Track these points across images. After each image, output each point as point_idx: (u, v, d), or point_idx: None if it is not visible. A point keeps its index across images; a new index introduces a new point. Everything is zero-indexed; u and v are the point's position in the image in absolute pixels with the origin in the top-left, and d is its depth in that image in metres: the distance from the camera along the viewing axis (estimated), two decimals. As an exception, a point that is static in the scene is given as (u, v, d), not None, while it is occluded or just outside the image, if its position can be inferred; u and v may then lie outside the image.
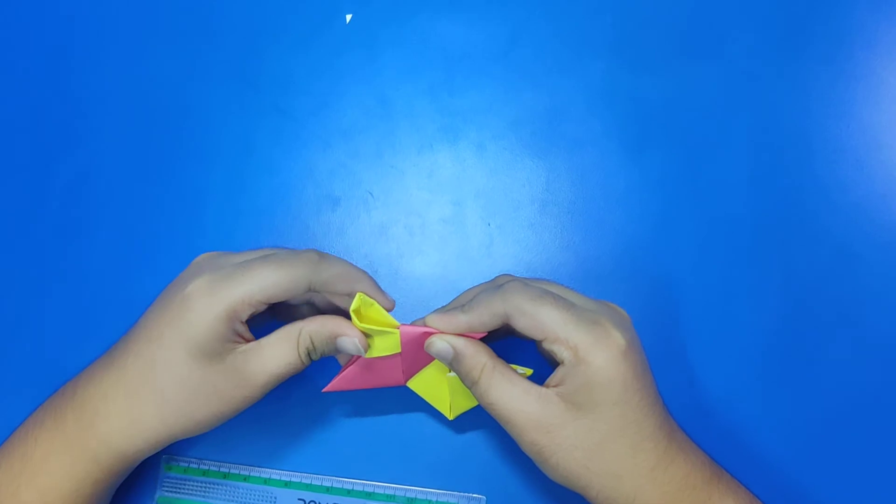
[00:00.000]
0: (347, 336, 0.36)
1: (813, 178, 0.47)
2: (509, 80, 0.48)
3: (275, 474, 0.43)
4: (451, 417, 0.41)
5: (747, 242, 0.46)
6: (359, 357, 0.38)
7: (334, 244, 0.47)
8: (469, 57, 0.49)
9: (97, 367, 0.37)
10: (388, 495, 0.43)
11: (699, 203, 0.46)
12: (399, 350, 0.38)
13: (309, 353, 0.36)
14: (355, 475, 0.43)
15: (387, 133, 0.48)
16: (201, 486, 0.43)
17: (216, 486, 0.43)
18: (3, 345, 0.45)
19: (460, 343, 0.36)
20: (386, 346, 0.37)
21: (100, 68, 0.49)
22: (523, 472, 0.42)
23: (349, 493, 0.43)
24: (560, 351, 0.34)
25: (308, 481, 0.43)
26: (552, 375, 0.35)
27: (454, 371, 0.37)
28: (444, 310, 0.37)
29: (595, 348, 0.34)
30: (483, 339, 0.37)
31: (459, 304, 0.38)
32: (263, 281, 0.34)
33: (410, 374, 0.40)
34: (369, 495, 0.43)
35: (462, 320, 0.36)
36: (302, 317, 0.37)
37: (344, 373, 0.39)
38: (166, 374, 0.35)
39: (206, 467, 0.43)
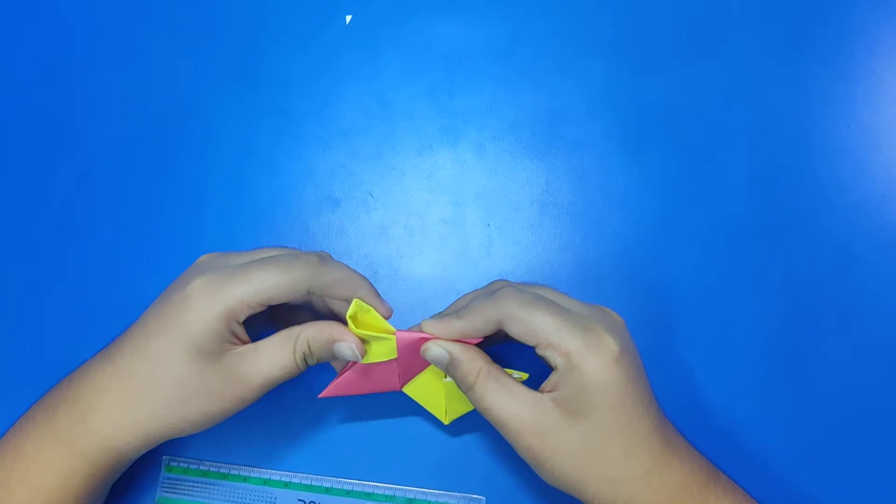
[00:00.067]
0: (344, 341, 0.36)
1: (813, 178, 0.47)
2: (509, 80, 0.48)
3: (274, 475, 0.43)
4: (446, 422, 0.41)
5: (747, 243, 0.46)
6: (355, 363, 0.38)
7: (334, 245, 0.47)
8: (469, 58, 0.49)
9: (93, 362, 0.37)
10: (387, 496, 0.43)
11: (699, 203, 0.46)
12: (395, 356, 0.38)
13: (305, 358, 0.36)
14: (355, 476, 0.43)
15: (387, 134, 0.48)
16: (201, 487, 0.43)
17: (216, 487, 0.43)
18: (3, 345, 0.45)
19: (456, 349, 0.36)
20: (382, 351, 0.37)
21: (100, 69, 0.49)
22: (523, 472, 0.42)
23: (349, 493, 0.43)
24: (553, 357, 0.34)
25: (307, 482, 0.43)
26: (547, 380, 0.35)
27: (450, 376, 0.37)
28: (439, 316, 0.38)
29: (587, 354, 0.34)
30: (480, 345, 0.37)
31: (455, 310, 0.38)
32: (263, 283, 0.35)
33: (406, 379, 0.40)
34: (369, 496, 0.43)
35: (457, 326, 0.36)
36: (301, 321, 0.37)
37: (340, 378, 0.39)
38: (161, 371, 0.35)
39: (206, 468, 0.43)
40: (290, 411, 0.44)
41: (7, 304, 0.46)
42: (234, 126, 0.48)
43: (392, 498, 0.43)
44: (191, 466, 0.43)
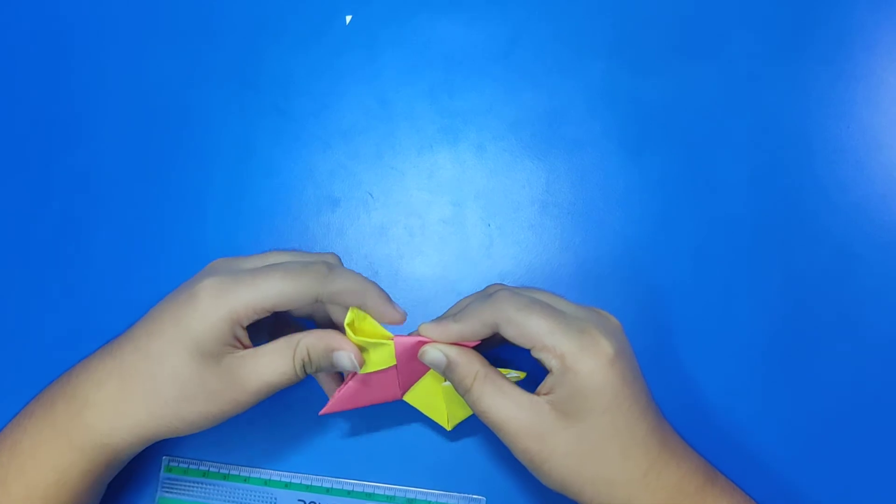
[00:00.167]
0: (343, 351, 0.36)
1: (813, 178, 0.47)
2: (509, 80, 0.48)
3: (275, 475, 0.43)
4: (449, 428, 0.41)
5: (747, 243, 0.46)
6: (354, 374, 0.38)
7: (334, 245, 0.47)
8: (469, 58, 0.49)
9: (94, 356, 0.37)
10: (387, 496, 0.43)
11: (699, 203, 0.46)
12: (394, 362, 0.38)
13: (304, 366, 0.36)
14: (355, 476, 0.43)
15: (387, 134, 0.48)
16: (201, 487, 0.43)
17: (216, 487, 0.43)
18: (3, 345, 0.45)
19: (453, 352, 0.36)
20: (381, 359, 0.37)
21: (100, 69, 0.49)
22: (522, 473, 0.42)
23: (349, 493, 0.43)
24: (548, 359, 0.35)
25: (308, 482, 0.43)
26: (543, 383, 0.35)
27: (447, 379, 0.37)
28: (437, 320, 0.38)
29: (582, 356, 0.34)
30: (478, 348, 0.37)
31: (452, 313, 0.38)
32: (270, 290, 0.35)
33: (407, 386, 0.40)
34: (369, 496, 0.43)
35: (454, 329, 0.36)
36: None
37: (340, 392, 0.38)
38: (161, 368, 0.35)
39: (207, 468, 0.43)
40: (290, 412, 0.44)
41: (7, 304, 0.46)
42: (234, 126, 0.48)
43: (392, 498, 0.43)
44: (191, 467, 0.43)
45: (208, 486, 0.43)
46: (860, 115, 0.47)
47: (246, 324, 0.35)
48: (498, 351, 0.41)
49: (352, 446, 0.44)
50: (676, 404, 0.40)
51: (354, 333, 0.36)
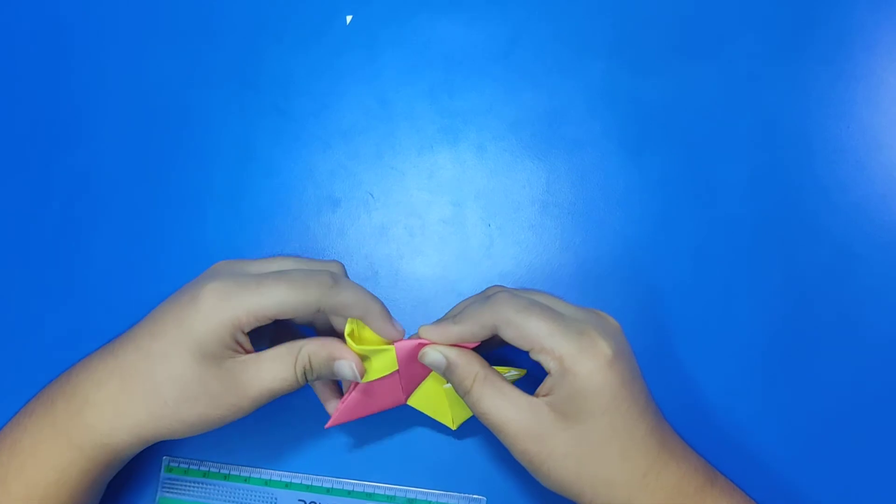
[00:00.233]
0: (344, 360, 0.36)
1: (813, 178, 0.47)
2: (509, 80, 0.48)
3: (275, 475, 0.43)
4: (454, 428, 0.41)
5: (747, 243, 0.46)
6: (356, 385, 0.38)
7: (335, 245, 0.47)
8: (469, 58, 0.49)
9: (95, 355, 0.37)
10: (388, 496, 0.43)
11: (699, 203, 0.46)
12: (396, 367, 0.38)
13: (305, 373, 0.36)
14: (356, 476, 0.43)
15: (387, 134, 0.48)
16: (202, 487, 0.43)
17: (217, 487, 0.43)
18: (4, 345, 0.45)
19: (452, 353, 0.37)
20: (383, 365, 0.38)
21: (100, 70, 0.49)
22: (523, 473, 0.42)
23: (349, 493, 0.43)
24: (546, 361, 0.35)
25: (308, 482, 0.43)
26: (542, 384, 0.36)
27: (448, 381, 0.38)
28: (436, 322, 0.38)
29: (581, 358, 0.34)
30: (479, 349, 0.37)
31: (451, 315, 0.38)
32: (274, 298, 0.35)
33: (410, 390, 0.40)
34: (369, 496, 0.43)
35: (453, 331, 0.37)
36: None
37: (344, 404, 0.38)
38: (162, 368, 0.35)
39: (207, 468, 0.43)
40: (291, 412, 0.44)
41: (7, 305, 0.46)
42: (234, 126, 0.48)
43: (393, 498, 0.43)
44: (191, 467, 0.43)
45: (209, 486, 0.43)
46: (860, 115, 0.47)
47: (248, 329, 0.35)
48: (500, 350, 0.41)
49: (352, 446, 0.44)
50: (676, 404, 0.40)
51: (355, 343, 0.36)
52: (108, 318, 0.45)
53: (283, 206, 0.47)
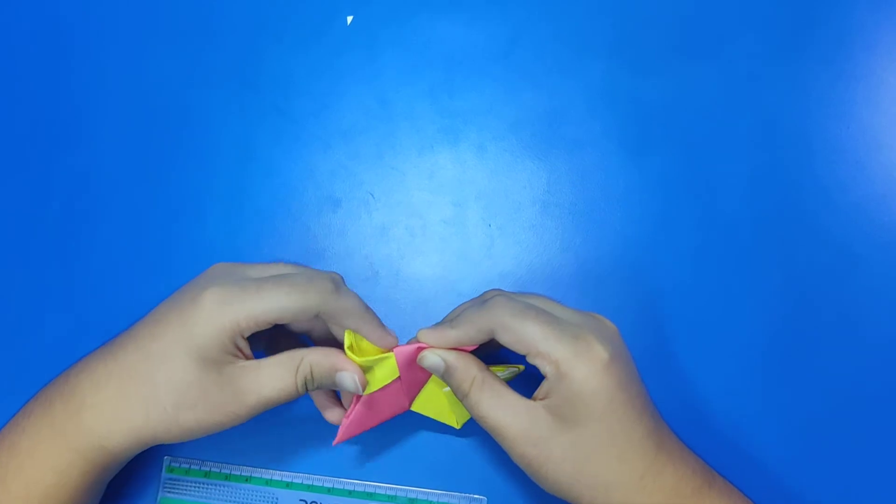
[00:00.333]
0: (347, 371, 0.36)
1: (813, 178, 0.47)
2: (509, 81, 0.48)
3: (276, 475, 0.43)
4: (458, 427, 0.41)
5: (747, 243, 0.46)
6: (359, 398, 0.38)
7: (335, 245, 0.47)
8: (469, 58, 0.49)
9: (94, 356, 0.37)
10: (389, 496, 0.43)
11: (699, 203, 0.46)
12: (397, 375, 0.38)
13: (306, 383, 0.36)
14: (357, 476, 0.43)
15: (387, 134, 0.48)
16: (203, 487, 0.43)
17: (218, 488, 0.43)
18: (4, 346, 0.45)
19: (451, 357, 0.37)
20: (384, 374, 0.38)
21: (100, 70, 0.49)
22: (523, 473, 0.42)
23: (350, 493, 0.43)
24: (542, 365, 0.35)
25: (309, 482, 0.43)
26: (539, 388, 0.36)
27: (447, 384, 0.38)
28: (434, 326, 0.38)
29: (576, 362, 0.34)
30: (477, 351, 0.38)
31: (449, 319, 0.39)
32: (274, 303, 0.35)
33: (412, 395, 0.40)
34: (370, 496, 0.43)
35: (451, 335, 0.37)
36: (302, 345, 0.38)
37: (349, 419, 0.38)
38: (161, 372, 0.35)
39: (208, 468, 0.43)
40: (291, 412, 0.44)
41: (7, 304, 0.46)
42: (234, 127, 0.48)
43: (394, 498, 0.43)
44: (192, 467, 0.43)
45: (210, 487, 0.43)
46: (860, 115, 0.47)
47: (248, 334, 0.35)
48: (499, 350, 0.41)
49: (353, 446, 0.44)
50: (676, 404, 0.40)
51: (356, 354, 0.36)
52: (108, 317, 0.45)
53: (283, 206, 0.47)
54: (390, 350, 0.37)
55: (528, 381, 0.39)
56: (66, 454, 0.35)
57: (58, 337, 0.45)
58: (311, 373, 0.36)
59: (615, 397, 0.34)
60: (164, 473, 0.43)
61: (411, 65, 0.49)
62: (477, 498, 0.43)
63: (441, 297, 0.46)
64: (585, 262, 0.46)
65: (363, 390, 0.37)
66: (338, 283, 0.37)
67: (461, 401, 0.37)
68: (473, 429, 0.43)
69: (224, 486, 0.43)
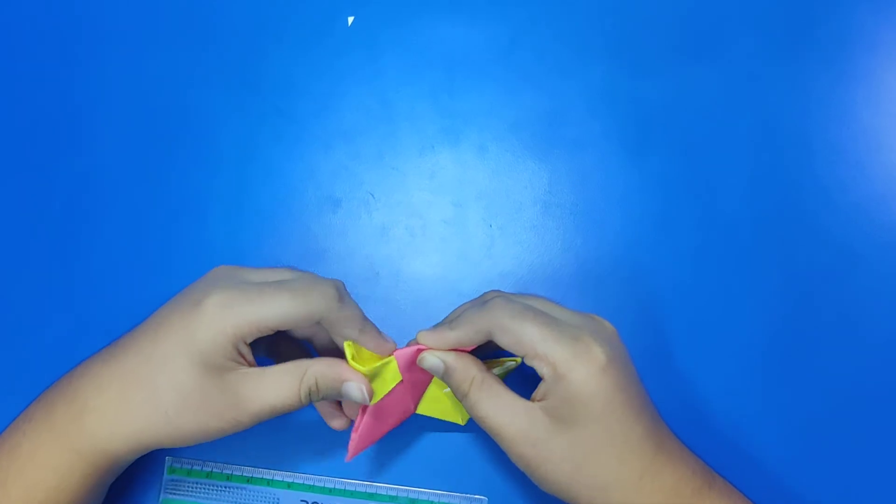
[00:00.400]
0: (353, 382, 0.36)
1: (813, 179, 0.47)
2: (510, 81, 0.48)
3: (277, 476, 0.43)
4: (463, 423, 0.41)
5: (747, 243, 0.46)
6: (365, 409, 0.38)
7: (336, 246, 0.47)
8: (470, 59, 0.49)
9: (96, 359, 0.37)
10: (390, 496, 0.43)
11: (699, 204, 0.46)
12: (400, 378, 0.38)
13: (310, 394, 0.36)
14: (357, 476, 0.43)
15: (388, 135, 0.48)
16: (204, 488, 0.43)
17: (219, 488, 0.43)
18: (5, 347, 0.45)
19: (450, 358, 0.37)
20: (387, 379, 0.38)
21: (100, 72, 0.49)
22: (524, 473, 0.43)
23: (351, 494, 0.43)
24: (540, 367, 0.35)
25: (310, 483, 0.43)
26: (537, 389, 0.36)
27: (446, 384, 0.38)
28: (433, 327, 0.38)
29: (574, 364, 0.34)
30: (478, 350, 0.38)
31: (448, 320, 0.39)
32: (277, 309, 0.34)
33: (417, 397, 0.40)
34: (371, 496, 0.43)
35: (449, 337, 0.37)
36: (299, 355, 0.38)
37: (358, 432, 0.38)
38: (163, 376, 0.34)
39: (210, 469, 0.43)
40: (292, 413, 0.43)
41: (8, 306, 0.46)
42: (235, 127, 0.48)
43: (395, 498, 0.43)
44: (194, 467, 0.43)
45: (211, 487, 0.43)
46: (860, 115, 0.47)
47: (250, 340, 0.35)
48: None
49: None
50: (676, 405, 0.40)
51: (359, 364, 0.36)
52: (109, 318, 0.45)
53: (283, 206, 0.47)
54: (390, 355, 0.38)
55: (527, 381, 0.39)
56: (67, 457, 0.35)
57: (59, 338, 0.45)
58: (317, 384, 0.36)
59: (613, 399, 0.34)
60: (165, 474, 0.43)
61: (412, 65, 0.49)
62: (478, 498, 0.43)
63: (441, 298, 0.46)
64: (586, 262, 0.46)
65: (370, 400, 0.37)
66: (341, 290, 0.36)
67: (460, 401, 0.38)
68: (474, 429, 0.43)
69: (225, 487, 0.43)
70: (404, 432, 0.44)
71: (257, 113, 0.48)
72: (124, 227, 0.47)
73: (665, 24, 0.49)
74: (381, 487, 0.43)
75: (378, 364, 0.37)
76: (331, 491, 0.43)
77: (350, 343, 0.37)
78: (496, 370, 0.40)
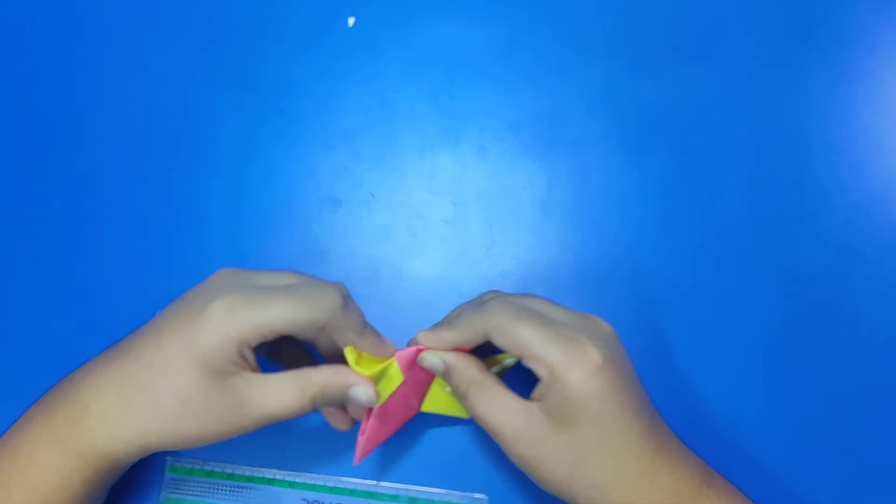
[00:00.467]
0: (360, 386, 0.36)
1: (813, 179, 0.47)
2: (510, 82, 0.48)
3: (279, 474, 0.43)
4: (468, 417, 0.41)
5: (747, 243, 0.46)
6: (370, 411, 0.38)
7: (336, 246, 0.47)
8: (470, 59, 0.49)
9: (97, 362, 0.37)
10: (391, 495, 0.43)
11: (699, 204, 0.46)
12: (402, 379, 0.38)
13: (315, 401, 0.36)
14: (358, 475, 0.43)
15: (388, 135, 0.48)
16: (205, 487, 0.43)
17: (220, 487, 0.43)
18: (5, 348, 0.45)
19: (450, 357, 0.37)
20: (390, 380, 0.38)
21: (100, 72, 0.49)
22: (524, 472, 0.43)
23: (352, 493, 0.43)
24: (537, 368, 0.35)
25: (312, 481, 0.43)
26: (535, 390, 0.36)
27: (447, 384, 0.38)
28: (432, 328, 0.38)
29: (570, 365, 0.34)
30: (478, 348, 0.38)
31: (447, 321, 0.39)
32: (282, 315, 0.34)
33: (420, 396, 0.40)
34: (372, 495, 0.43)
35: (447, 337, 0.37)
36: (298, 357, 0.38)
37: (365, 435, 0.38)
38: (165, 380, 0.34)
39: (211, 468, 0.43)
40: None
41: (8, 307, 0.46)
42: (235, 128, 0.48)
43: (395, 497, 0.43)
44: (195, 467, 0.43)
45: (213, 486, 0.43)
46: (860, 115, 0.47)
47: (254, 345, 0.35)
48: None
49: (355, 446, 0.44)
50: (676, 405, 0.40)
51: (361, 368, 0.37)
52: (109, 319, 0.45)
53: (284, 206, 0.47)
54: (392, 354, 0.38)
55: (528, 380, 0.39)
56: (68, 460, 0.35)
57: (59, 340, 0.45)
58: (322, 392, 0.36)
59: (610, 400, 0.34)
60: (167, 473, 0.43)
61: (412, 66, 0.49)
62: (478, 497, 0.43)
63: (442, 297, 0.46)
64: (585, 262, 0.46)
65: (377, 401, 0.37)
66: (346, 296, 0.36)
67: (460, 400, 0.38)
68: (475, 428, 0.44)
69: (227, 486, 0.43)
70: (406, 432, 0.44)
71: (258, 113, 0.48)
72: (124, 227, 0.47)
73: (665, 24, 0.49)
74: (382, 486, 0.43)
75: (380, 367, 0.37)
76: (332, 490, 0.43)
77: (351, 349, 0.37)
78: (495, 368, 0.40)
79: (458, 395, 0.37)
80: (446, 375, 0.37)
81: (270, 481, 0.43)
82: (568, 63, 0.48)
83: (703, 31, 0.49)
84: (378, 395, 0.37)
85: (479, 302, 0.39)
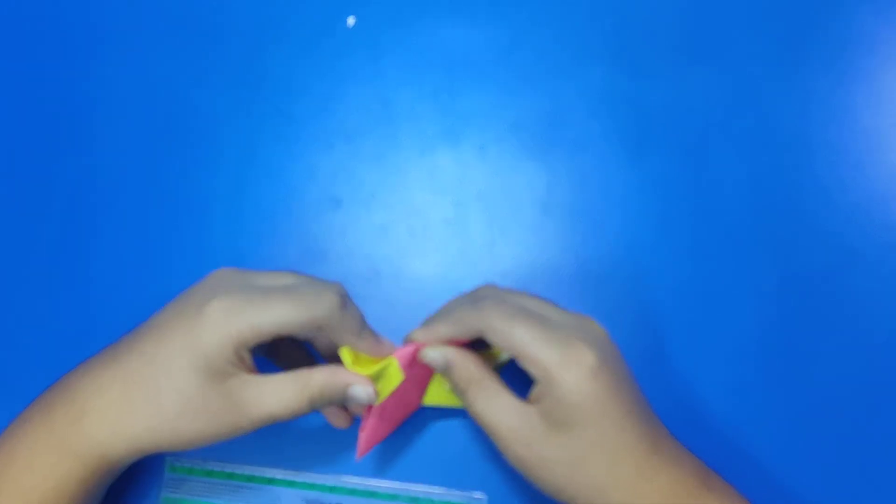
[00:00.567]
0: (359, 385, 0.36)
1: (813, 179, 0.47)
2: (510, 83, 0.48)
3: (279, 474, 0.43)
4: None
5: (747, 244, 0.46)
6: (370, 409, 0.38)
7: (336, 245, 0.47)
8: (470, 60, 0.49)
9: (94, 361, 0.37)
10: (390, 494, 0.43)
11: (699, 205, 0.46)
12: (402, 377, 0.38)
13: (313, 401, 0.36)
14: (358, 474, 0.43)
15: (388, 135, 0.48)
16: (205, 487, 0.43)
17: (220, 486, 0.43)
18: (5, 349, 0.45)
19: (451, 353, 0.37)
20: (389, 380, 0.38)
21: (102, 73, 0.49)
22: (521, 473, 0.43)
23: (352, 492, 0.43)
24: (532, 370, 0.35)
25: (311, 481, 0.43)
26: (531, 391, 0.36)
27: (446, 380, 0.38)
28: (425, 324, 0.38)
29: (564, 367, 0.34)
30: (474, 343, 0.38)
31: (441, 315, 0.39)
32: (281, 315, 0.34)
33: (421, 393, 0.40)
34: (372, 494, 0.43)
35: (442, 331, 0.37)
36: (297, 357, 0.38)
37: (365, 432, 0.38)
38: (164, 379, 0.34)
39: (211, 467, 0.43)
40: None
41: (8, 307, 0.46)
42: (236, 128, 0.48)
43: (395, 496, 0.43)
44: (195, 466, 0.44)
45: (212, 485, 0.43)
46: (861, 116, 0.47)
47: (252, 346, 0.35)
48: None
49: (355, 445, 0.44)
50: (675, 405, 0.41)
51: (359, 368, 0.37)
52: (109, 318, 0.45)
53: (284, 206, 0.47)
54: (391, 354, 0.38)
55: (527, 380, 0.39)
56: (65, 461, 0.35)
57: (58, 339, 0.45)
58: (321, 392, 0.36)
59: (605, 401, 0.34)
60: (166, 473, 0.44)
61: (413, 66, 0.49)
62: (477, 497, 0.43)
63: (442, 297, 0.45)
64: (585, 262, 0.46)
65: (377, 399, 0.37)
66: (344, 297, 0.36)
67: (459, 397, 0.38)
68: (475, 427, 0.44)
69: (226, 485, 0.43)
70: (405, 431, 0.44)
71: (258, 113, 0.48)
72: (124, 226, 0.47)
73: (665, 25, 0.49)
74: (382, 485, 0.43)
75: (378, 367, 0.37)
76: (332, 489, 0.43)
77: (347, 350, 0.37)
78: (492, 363, 0.40)
79: (458, 391, 0.37)
80: (446, 372, 0.37)
81: (270, 481, 0.43)
82: (568, 64, 0.48)
83: (702, 32, 0.49)
84: (377, 392, 0.37)
85: (474, 297, 0.39)
